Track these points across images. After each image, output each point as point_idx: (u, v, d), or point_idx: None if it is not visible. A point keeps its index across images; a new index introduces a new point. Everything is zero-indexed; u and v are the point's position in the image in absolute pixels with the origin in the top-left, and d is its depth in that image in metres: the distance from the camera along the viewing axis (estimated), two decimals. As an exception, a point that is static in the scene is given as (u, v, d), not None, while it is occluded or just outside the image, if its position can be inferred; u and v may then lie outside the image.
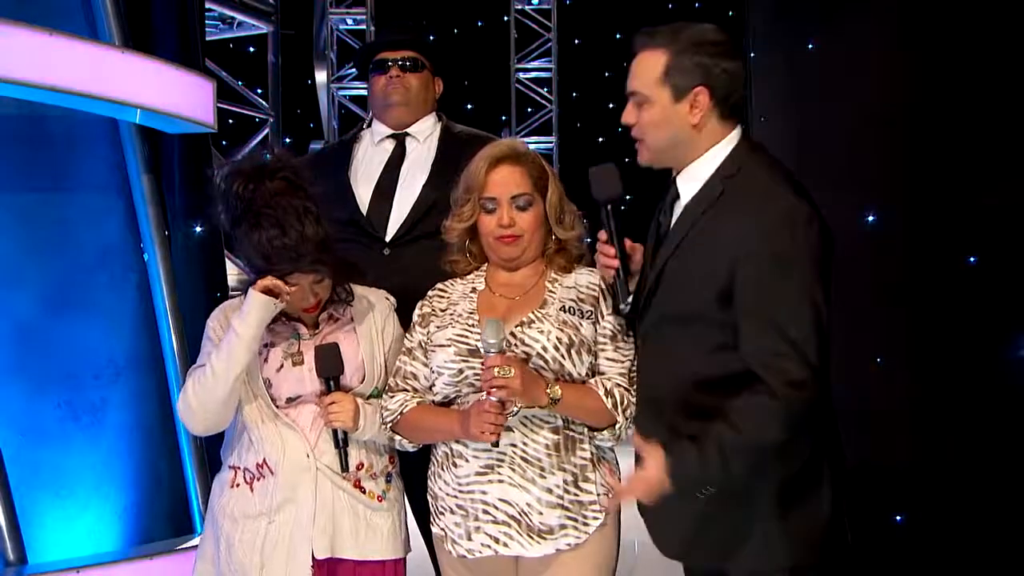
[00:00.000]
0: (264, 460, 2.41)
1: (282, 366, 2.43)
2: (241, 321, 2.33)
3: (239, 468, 2.45)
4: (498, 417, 2.19)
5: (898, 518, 3.93)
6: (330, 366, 2.39)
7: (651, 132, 2.17)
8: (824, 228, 2.04)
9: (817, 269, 2.00)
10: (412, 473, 2.57)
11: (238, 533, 2.41)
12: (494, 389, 2.17)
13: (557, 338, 2.27)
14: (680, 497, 2.06)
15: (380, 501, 2.47)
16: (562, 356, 2.27)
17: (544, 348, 2.26)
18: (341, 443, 2.39)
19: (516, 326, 2.29)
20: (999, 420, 3.58)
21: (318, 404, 2.41)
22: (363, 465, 2.45)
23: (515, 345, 2.27)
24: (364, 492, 2.45)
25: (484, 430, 2.19)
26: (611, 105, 10.92)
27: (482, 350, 2.21)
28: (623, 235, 2.21)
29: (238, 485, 2.45)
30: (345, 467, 2.40)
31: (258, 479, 2.42)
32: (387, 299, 2.58)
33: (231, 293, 5.58)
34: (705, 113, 2.12)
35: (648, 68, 2.14)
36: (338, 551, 2.41)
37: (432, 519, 2.41)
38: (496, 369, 2.16)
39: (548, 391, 2.22)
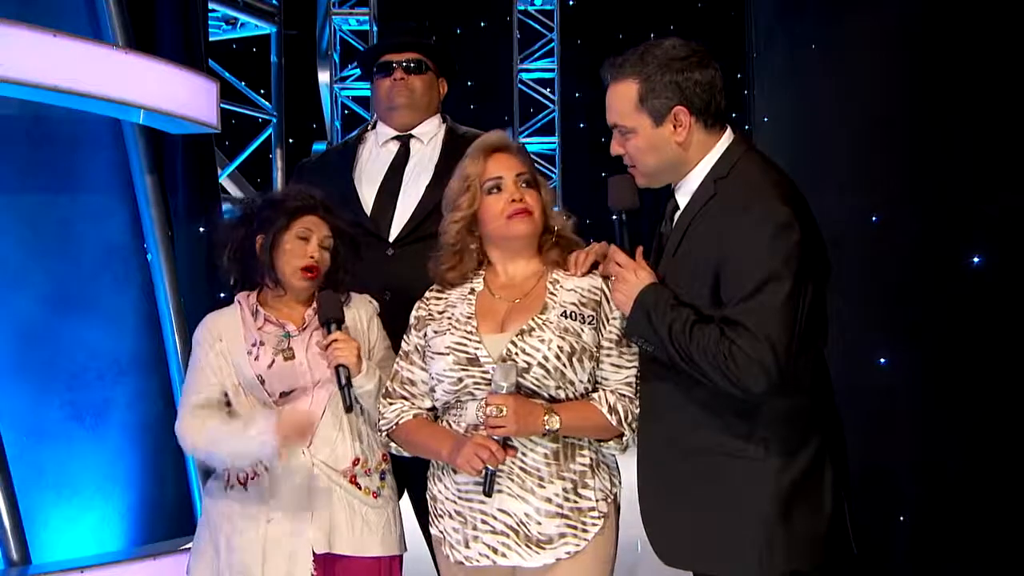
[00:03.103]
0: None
1: (273, 362, 2.45)
2: (237, 456, 2.37)
3: (232, 468, 2.46)
4: (492, 458, 2.17)
5: (902, 518, 3.93)
6: (330, 309, 2.42)
7: (640, 159, 2.18)
8: (807, 233, 2.04)
9: (793, 274, 1.99)
10: (413, 472, 2.57)
11: (237, 534, 2.42)
12: (492, 428, 2.17)
13: (558, 347, 2.24)
14: (630, 323, 2.15)
15: (375, 498, 2.49)
16: (563, 365, 2.24)
17: (545, 358, 2.23)
18: (344, 383, 2.39)
19: (516, 335, 2.26)
20: (1003, 420, 3.58)
21: (321, 347, 2.43)
22: (359, 461, 2.46)
23: (516, 354, 2.24)
24: (360, 488, 2.46)
25: (474, 464, 2.18)
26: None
27: (493, 390, 2.21)
28: (635, 245, 2.21)
29: (232, 487, 2.46)
30: (349, 407, 2.40)
31: (252, 478, 2.44)
32: (371, 303, 2.60)
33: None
34: (689, 129, 2.13)
35: (622, 99, 2.15)
36: (335, 547, 2.42)
37: (431, 520, 2.40)
38: (490, 408, 2.17)
39: (545, 421, 2.20)
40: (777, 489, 2.08)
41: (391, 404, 2.40)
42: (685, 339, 2.04)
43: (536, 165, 2.65)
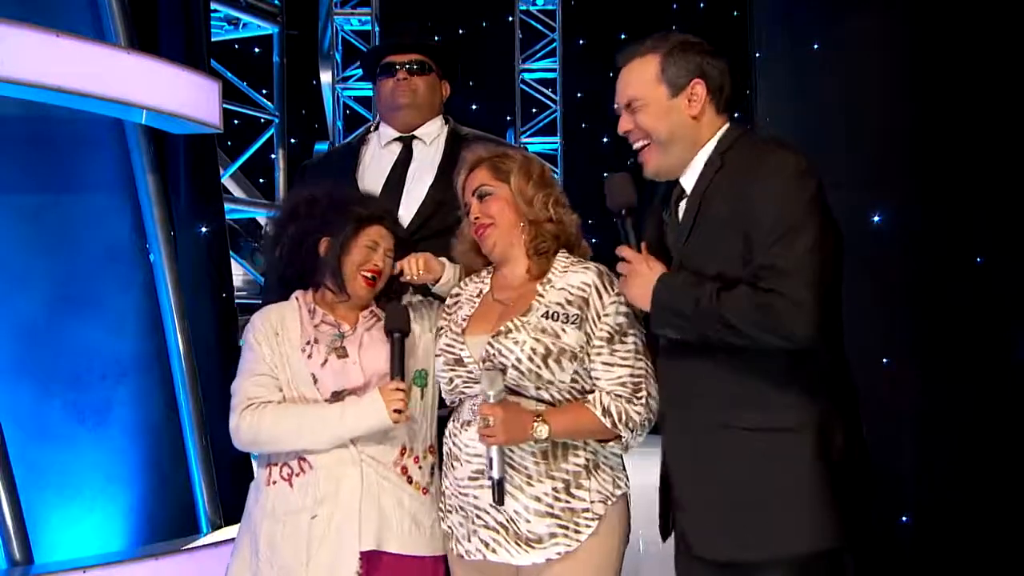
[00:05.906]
0: (305, 455, 2.39)
1: (327, 361, 2.42)
2: (353, 422, 2.35)
3: (276, 464, 2.41)
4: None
5: (904, 519, 3.93)
6: (396, 320, 2.41)
7: (653, 127, 2.20)
8: (821, 186, 2.06)
9: (819, 220, 2.02)
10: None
11: (280, 530, 2.37)
12: (485, 438, 2.19)
13: (532, 348, 2.24)
14: (654, 314, 2.13)
15: (425, 494, 2.43)
16: (538, 366, 2.24)
17: (519, 360, 2.24)
18: (397, 352, 2.38)
19: (493, 336, 2.29)
20: (1006, 421, 3.58)
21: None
22: (406, 450, 2.42)
23: (493, 355, 2.27)
24: (411, 483, 2.42)
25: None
26: (616, 105, 10.92)
27: (483, 399, 2.22)
28: (641, 240, 2.22)
29: (275, 483, 2.41)
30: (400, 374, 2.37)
31: (298, 474, 2.39)
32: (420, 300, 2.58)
33: (236, 294, 5.59)
34: (704, 104, 2.19)
35: (641, 72, 2.21)
36: (384, 544, 2.36)
37: (441, 515, 2.41)
38: (480, 419, 2.19)
39: (533, 430, 2.20)
40: (813, 469, 2.05)
41: None
42: (715, 308, 2.03)
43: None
